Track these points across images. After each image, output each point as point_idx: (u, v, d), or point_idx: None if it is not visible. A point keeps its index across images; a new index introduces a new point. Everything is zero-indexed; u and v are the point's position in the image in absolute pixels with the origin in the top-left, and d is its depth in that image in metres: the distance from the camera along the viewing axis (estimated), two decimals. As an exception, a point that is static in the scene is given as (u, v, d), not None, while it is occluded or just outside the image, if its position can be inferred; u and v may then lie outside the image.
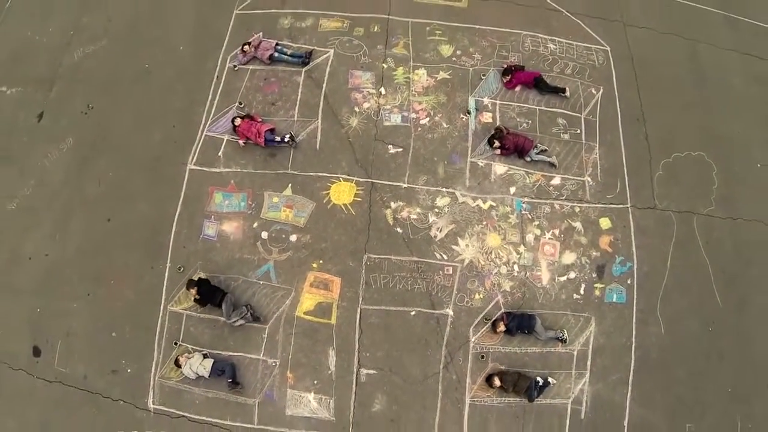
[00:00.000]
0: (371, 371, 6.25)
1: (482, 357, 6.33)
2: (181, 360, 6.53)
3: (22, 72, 9.67)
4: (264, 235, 6.93)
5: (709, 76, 9.38)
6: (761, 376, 7.57)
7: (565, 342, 6.52)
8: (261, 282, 6.67)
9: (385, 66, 7.71)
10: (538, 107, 7.64)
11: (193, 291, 6.48)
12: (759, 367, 7.59)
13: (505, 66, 7.64)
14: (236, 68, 7.87)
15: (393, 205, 7.05)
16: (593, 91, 8.05)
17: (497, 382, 6.10)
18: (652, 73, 8.85)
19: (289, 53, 7.76)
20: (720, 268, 7.75)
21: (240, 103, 7.50)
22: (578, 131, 7.62)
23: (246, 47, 7.91)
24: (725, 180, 8.36)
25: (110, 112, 8.44)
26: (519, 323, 6.30)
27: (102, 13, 9.71)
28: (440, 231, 6.70)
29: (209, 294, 6.73)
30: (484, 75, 7.78)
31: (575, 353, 6.67)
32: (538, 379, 6.33)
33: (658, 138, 8.23)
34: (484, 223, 6.96)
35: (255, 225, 6.93)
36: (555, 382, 6.42)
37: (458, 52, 8.04)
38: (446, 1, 8.38)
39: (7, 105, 9.36)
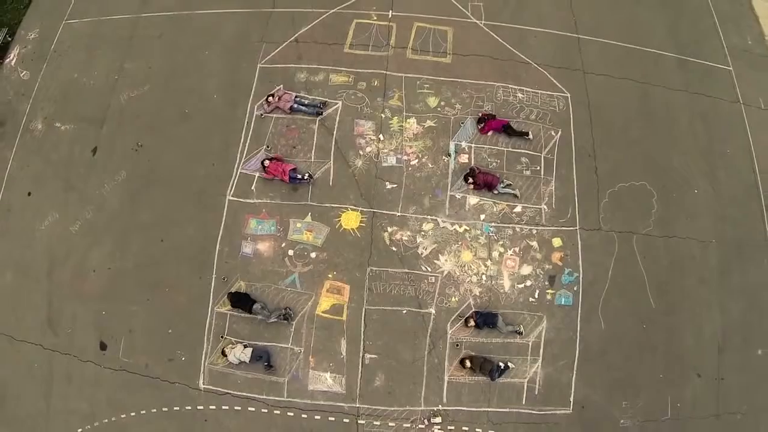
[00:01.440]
0: (373, 356, 9.60)
1: (457, 345, 9.66)
2: (227, 350, 9.85)
3: (74, 110, 13.09)
4: (290, 252, 10.32)
5: (657, 114, 12.82)
6: (688, 365, 10.91)
7: (522, 335, 9.86)
8: (288, 289, 10.04)
9: (383, 116, 11.13)
10: (505, 149, 11.05)
11: (228, 302, 9.75)
12: (686, 359, 10.94)
13: (480, 115, 11.06)
14: (263, 116, 11.26)
15: (389, 229, 10.45)
16: (552, 133, 11.46)
17: (468, 364, 9.41)
18: (606, 115, 12.28)
19: (306, 103, 11.14)
20: (654, 277, 11.11)
21: (267, 147, 10.89)
22: (538, 168, 11.01)
23: (270, 98, 11.31)
24: (664, 205, 11.76)
25: (157, 150, 11.82)
26: (485, 320, 9.63)
27: (142, 60, 13.14)
28: (425, 249, 10.08)
29: (241, 302, 10.06)
30: (462, 123, 11.20)
31: (530, 344, 10.00)
32: (500, 363, 9.63)
33: (607, 171, 11.62)
34: (460, 243, 10.35)
35: (283, 245, 10.31)
36: (513, 366, 9.73)
37: (442, 103, 11.47)
38: (434, 57, 11.78)
39: (63, 140, 12.77)
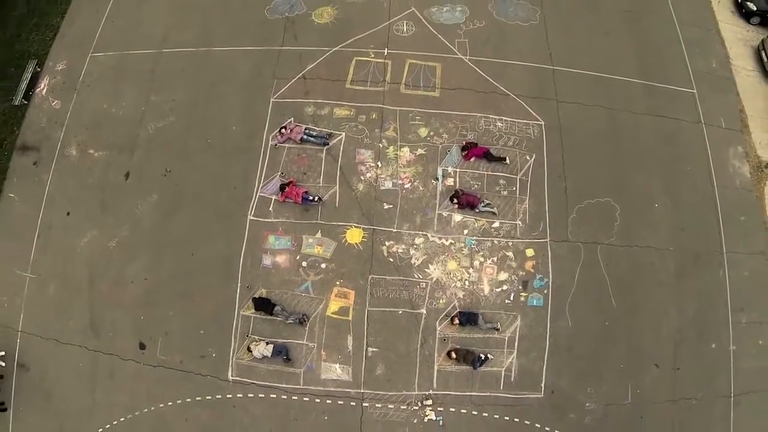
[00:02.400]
0: (375, 349, 12.65)
1: (444, 340, 12.71)
2: (251, 346, 12.88)
3: (105, 138, 16.17)
4: (303, 263, 13.38)
5: (623, 137, 15.93)
6: (647, 357, 13.93)
7: (499, 331, 12.90)
8: (303, 294, 13.09)
9: (380, 146, 14.24)
10: (486, 173, 14.15)
11: (252, 306, 12.81)
12: (645, 352, 13.97)
13: (464, 143, 14.14)
14: (276, 146, 14.35)
15: (387, 243, 13.52)
16: (527, 157, 14.56)
17: (453, 355, 12.45)
18: (575, 139, 15.38)
19: (314, 135, 14.23)
20: (616, 281, 14.17)
21: (282, 173, 13.95)
22: (514, 188, 14.10)
23: (283, 130, 14.41)
24: (626, 218, 14.84)
25: (185, 175, 14.90)
26: (468, 318, 12.67)
27: (167, 93, 16.25)
28: (417, 260, 13.15)
29: (263, 306, 13.10)
30: (448, 150, 14.29)
31: (506, 338, 13.05)
32: (481, 355, 12.67)
33: (575, 189, 14.71)
34: (446, 254, 13.42)
35: (297, 257, 13.37)
36: (492, 357, 12.76)
37: (431, 133, 14.59)
38: (424, 92, 14.89)
39: (97, 165, 15.84)
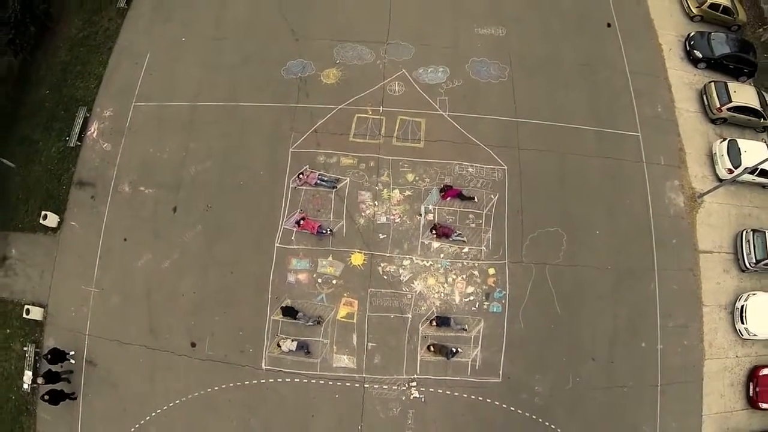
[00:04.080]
0: (373, 344, 20.11)
1: (425, 337, 20.16)
2: (280, 343, 20.30)
3: (153, 178, 23.51)
4: (319, 280, 20.87)
5: (572, 177, 23.35)
6: (585, 353, 21.37)
7: (467, 331, 20.34)
8: (319, 303, 20.57)
9: (377, 188, 21.68)
10: (458, 209, 21.60)
11: (280, 313, 20.23)
12: (584, 348, 21.44)
13: (442, 186, 21.56)
14: (296, 188, 21.75)
15: (382, 264, 20.99)
16: (492, 196, 22.00)
17: (432, 349, 19.89)
18: (532, 180, 22.82)
19: (326, 180, 21.64)
20: (561, 294, 21.61)
21: (301, 210, 21.35)
22: (480, 222, 21.54)
23: (300, 175, 21.82)
24: (571, 243, 22.27)
25: (223, 210, 22.32)
26: (443, 321, 20.13)
27: (203, 141, 23.65)
28: (405, 277, 20.60)
29: (288, 312, 20.52)
30: (430, 191, 21.73)
31: (472, 336, 20.51)
32: (453, 348, 20.10)
33: (530, 221, 22.15)
34: (427, 272, 20.91)
35: (314, 275, 20.86)
36: (461, 350, 20.21)
37: (417, 178, 22.06)
38: (411, 144, 22.32)
39: (148, 200, 23.21)
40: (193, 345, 21.17)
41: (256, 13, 26.21)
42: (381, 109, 23.38)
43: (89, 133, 25.11)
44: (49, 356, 21.25)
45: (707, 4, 28.51)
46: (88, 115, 25.47)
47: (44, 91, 26.79)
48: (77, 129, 25.09)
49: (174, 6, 27.36)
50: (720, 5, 28.56)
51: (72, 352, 21.85)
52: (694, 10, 28.85)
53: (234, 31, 25.88)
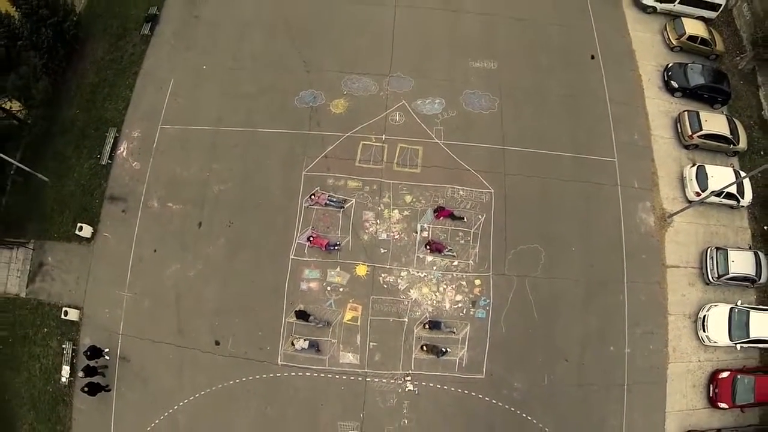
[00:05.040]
0: (374, 343, 26.07)
1: (419, 338, 26.09)
2: (294, 341, 26.20)
3: (180, 195, 29.44)
4: (328, 288, 26.82)
5: (552, 200, 29.29)
6: (559, 354, 27.31)
7: (455, 333, 26.26)
8: (328, 308, 26.56)
9: (379, 209, 27.60)
10: (450, 228, 27.55)
11: (294, 316, 26.15)
12: (558, 350, 27.44)
13: (436, 207, 27.48)
14: (308, 207, 27.64)
15: (383, 275, 26.92)
16: (480, 217, 27.92)
17: (425, 348, 25.81)
18: (516, 202, 28.74)
19: (334, 200, 27.55)
20: (539, 303, 27.59)
21: (313, 228, 27.22)
22: (469, 239, 27.45)
23: (312, 196, 27.74)
24: (549, 258, 28.23)
25: (244, 226, 28.24)
26: (434, 325, 26.03)
27: (225, 163, 29.57)
28: (402, 286, 26.54)
29: (301, 315, 26.42)
30: (425, 212, 27.66)
31: (460, 338, 26.45)
32: (443, 348, 26.02)
33: (512, 238, 28.07)
34: (421, 282, 26.87)
35: (324, 284, 26.81)
36: (450, 350, 26.12)
37: (414, 200, 28.01)
38: (409, 169, 28.22)
39: (176, 215, 29.15)
40: (217, 343, 26.94)
41: (271, 46, 32.09)
42: (383, 137, 29.20)
43: (119, 152, 30.88)
44: (88, 353, 26.92)
45: (686, 36, 34.33)
46: (117, 135, 31.21)
47: (74, 111, 32.56)
48: (108, 148, 30.89)
49: (195, 35, 33.21)
50: (698, 37, 34.36)
51: (107, 349, 27.52)
52: (673, 42, 34.69)
53: (251, 62, 31.74)
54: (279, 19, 33.06)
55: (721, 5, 35.76)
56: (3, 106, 32.56)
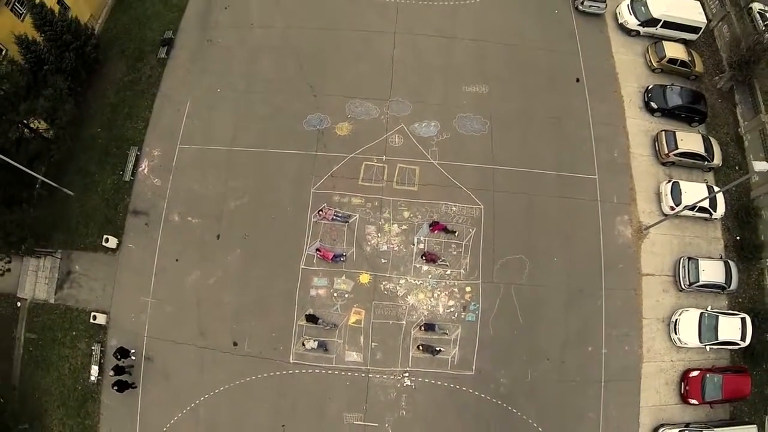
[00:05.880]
0: (376, 344, 32.32)
1: (415, 339, 32.35)
2: (305, 342, 32.45)
3: (199, 210, 35.80)
4: (335, 294, 33.14)
5: (537, 215, 35.61)
6: (541, 354, 33.69)
7: (448, 335, 32.50)
8: (335, 312, 32.79)
9: (380, 223, 33.85)
10: (443, 240, 33.83)
11: (304, 319, 32.40)
12: (541, 350, 33.83)
13: (431, 221, 33.76)
14: (316, 222, 33.89)
15: (384, 283, 33.20)
16: (470, 230, 34.21)
17: (420, 348, 32.07)
18: (503, 217, 35.07)
19: (340, 215, 33.81)
20: (523, 307, 33.95)
21: (320, 240, 33.46)
22: (460, 250, 33.73)
23: (320, 212, 34.02)
24: (533, 268, 34.61)
25: (258, 238, 34.54)
26: (429, 327, 32.32)
27: (240, 181, 35.94)
28: (401, 293, 32.80)
29: (311, 318, 32.70)
30: (421, 226, 33.95)
31: (452, 339, 32.74)
32: (437, 348, 32.30)
33: (500, 250, 34.40)
34: (418, 289, 33.19)
35: (331, 290, 33.10)
36: (443, 349, 32.40)
37: (411, 215, 34.35)
38: (407, 187, 34.49)
39: (195, 228, 35.53)
40: (235, 344, 33.05)
41: (280, 70, 38.29)
42: (384, 158, 35.40)
43: (141, 169, 36.99)
44: (117, 354, 32.99)
45: (666, 59, 40.58)
46: (138, 153, 37.31)
47: (96, 129, 38.60)
48: (131, 165, 36.98)
49: (209, 58, 39.39)
50: (678, 59, 40.62)
51: (133, 350, 33.57)
52: (655, 64, 40.97)
53: (262, 86, 37.93)
54: (287, 44, 39.29)
55: (701, 28, 42.03)
56: (30, 125, 38.49)
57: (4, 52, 36.50)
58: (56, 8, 37.51)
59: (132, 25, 42.05)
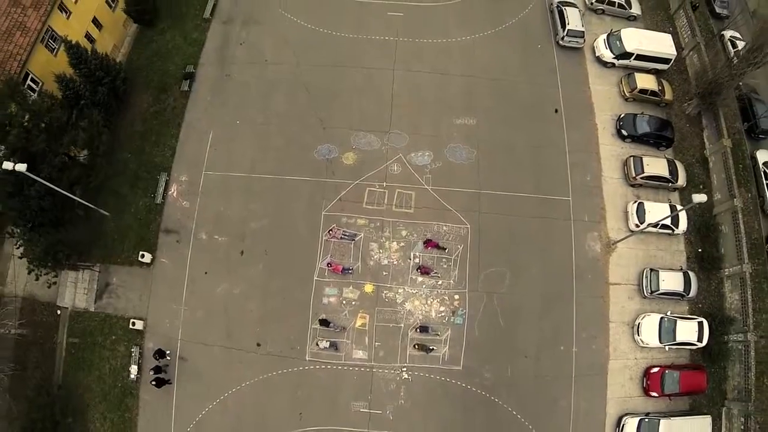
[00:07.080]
0: (378, 343, 43.90)
1: (412, 339, 43.97)
2: (318, 342, 44.02)
3: (224, 229, 47.53)
4: (344, 302, 44.76)
5: (517, 234, 47.48)
6: (520, 352, 45.33)
7: (440, 335, 44.15)
8: (344, 317, 44.35)
9: (382, 240, 45.41)
10: (435, 255, 45.47)
11: (318, 323, 43.98)
12: (519, 349, 45.45)
13: (425, 239, 45.36)
14: (327, 240, 45.45)
15: (385, 292, 44.86)
16: (459, 247, 45.89)
17: (416, 347, 43.65)
18: (488, 235, 46.78)
19: (348, 234, 45.40)
20: (504, 313, 45.65)
21: (331, 256, 45.01)
22: (450, 264, 45.35)
23: (330, 231, 45.63)
24: (513, 278, 46.37)
25: (278, 255, 46.15)
26: (424, 329, 43.92)
27: (260, 204, 47.70)
28: (399, 300, 44.44)
29: (324, 322, 44.32)
30: (417, 243, 45.57)
31: (443, 339, 44.37)
32: (430, 347, 43.90)
33: (484, 263, 46.14)
34: (414, 297, 44.84)
35: (341, 298, 44.70)
36: (435, 348, 43.98)
37: (408, 234, 46.03)
38: (404, 210, 46.10)
39: (221, 246, 47.24)
40: (258, 345, 44.37)
41: (292, 105, 49.67)
42: (384, 184, 46.82)
43: (170, 192, 48.27)
44: (156, 355, 44.19)
45: (637, 89, 52.00)
46: (168, 178, 48.59)
47: (126, 155, 49.70)
48: (161, 189, 48.22)
49: (228, 92, 50.72)
50: (648, 89, 52.06)
51: (169, 351, 44.80)
52: (627, 94, 52.44)
53: (277, 119, 49.30)
54: (298, 80, 50.69)
55: (671, 60, 53.36)
56: (70, 153, 49.36)
57: (41, 85, 47.09)
58: (85, 43, 47.81)
59: (154, 57, 53.28)
